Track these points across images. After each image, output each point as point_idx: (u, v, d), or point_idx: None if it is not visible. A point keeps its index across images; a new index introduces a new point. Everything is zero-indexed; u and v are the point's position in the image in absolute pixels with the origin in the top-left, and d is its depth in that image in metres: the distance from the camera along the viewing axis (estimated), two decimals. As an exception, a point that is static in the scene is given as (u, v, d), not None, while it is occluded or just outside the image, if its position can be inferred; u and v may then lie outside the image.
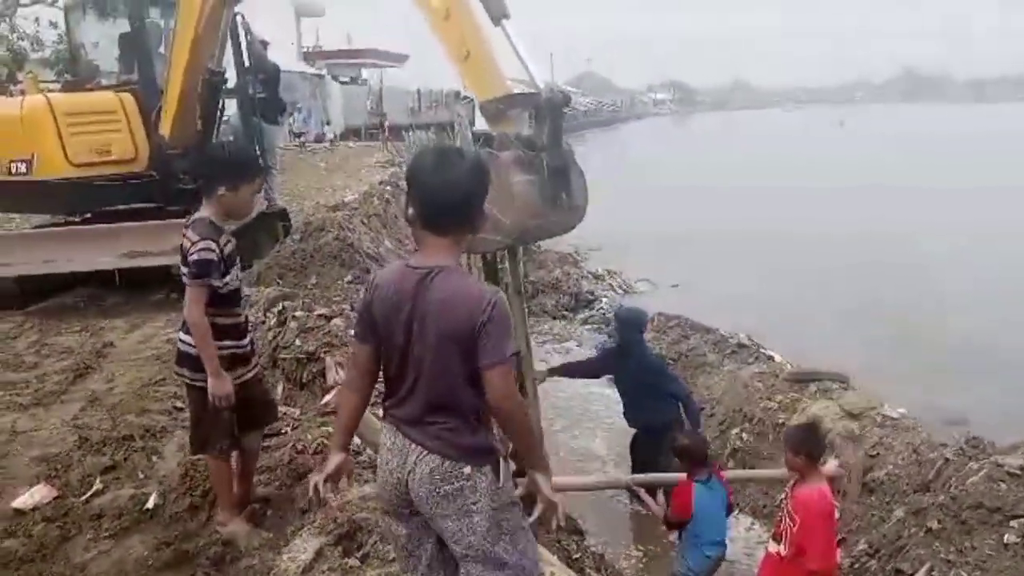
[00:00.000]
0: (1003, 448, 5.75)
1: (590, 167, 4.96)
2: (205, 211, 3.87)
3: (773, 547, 5.24)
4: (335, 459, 2.73)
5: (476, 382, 2.45)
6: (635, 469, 6.69)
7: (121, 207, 9.71)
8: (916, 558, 5.12)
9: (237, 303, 3.97)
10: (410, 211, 2.60)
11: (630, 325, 6.92)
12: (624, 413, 6.98)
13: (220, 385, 3.75)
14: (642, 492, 5.79)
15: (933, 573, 4.91)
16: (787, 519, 5.08)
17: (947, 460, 5.67)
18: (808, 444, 5.01)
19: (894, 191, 21.17)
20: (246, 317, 4.12)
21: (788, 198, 21.84)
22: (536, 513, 2.62)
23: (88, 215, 10.11)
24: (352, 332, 2.91)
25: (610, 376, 7.51)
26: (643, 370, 6.69)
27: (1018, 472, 5.11)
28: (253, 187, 3.94)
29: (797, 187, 23.28)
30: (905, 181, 23.09)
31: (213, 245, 3.74)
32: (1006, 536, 4.74)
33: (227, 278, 3.83)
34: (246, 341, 4.02)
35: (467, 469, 2.47)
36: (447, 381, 2.46)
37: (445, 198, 2.49)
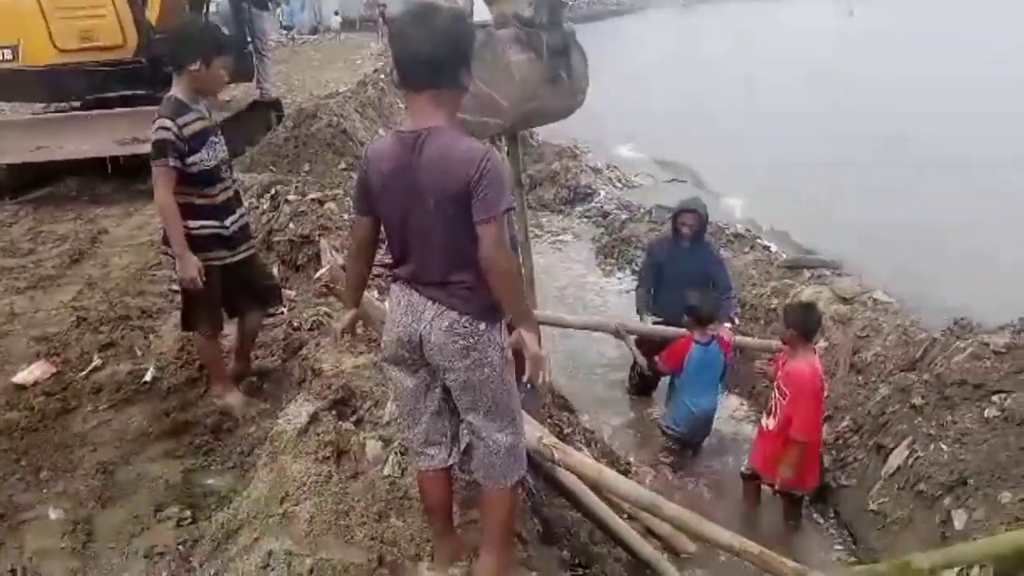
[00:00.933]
0: (990, 328, 5.83)
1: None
2: (174, 89, 3.79)
3: (764, 422, 5.40)
4: (349, 313, 2.92)
5: None
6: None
7: (110, 94, 9.57)
8: (898, 433, 5.25)
9: (213, 183, 3.86)
10: (394, 74, 2.56)
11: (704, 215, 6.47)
12: (656, 302, 6.59)
13: (184, 266, 3.74)
14: (631, 341, 6.05)
15: (914, 446, 5.04)
16: (777, 394, 5.22)
17: (934, 340, 5.75)
18: (804, 321, 5.12)
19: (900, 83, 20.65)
20: (233, 197, 4.05)
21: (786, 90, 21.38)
22: (527, 374, 2.65)
23: (78, 103, 9.98)
24: (351, 206, 2.93)
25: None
26: (704, 264, 6.45)
27: (1003, 350, 5.19)
28: (224, 62, 3.81)
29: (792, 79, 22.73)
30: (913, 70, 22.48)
31: (168, 123, 3.66)
32: (986, 411, 4.84)
33: (193, 158, 3.73)
34: (229, 222, 3.94)
35: (483, 325, 2.52)
36: (454, 241, 2.46)
37: (418, 49, 2.44)
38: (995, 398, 4.86)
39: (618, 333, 6.26)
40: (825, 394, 5.60)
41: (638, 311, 6.64)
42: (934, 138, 15.52)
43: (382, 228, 2.68)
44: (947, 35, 27.38)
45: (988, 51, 24.14)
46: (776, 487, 5.21)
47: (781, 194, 12.58)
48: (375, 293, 4.42)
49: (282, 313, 5.04)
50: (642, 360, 6.06)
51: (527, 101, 5.25)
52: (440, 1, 2.75)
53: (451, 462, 2.80)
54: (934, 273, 9.09)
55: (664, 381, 6.46)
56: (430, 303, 2.53)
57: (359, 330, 3.03)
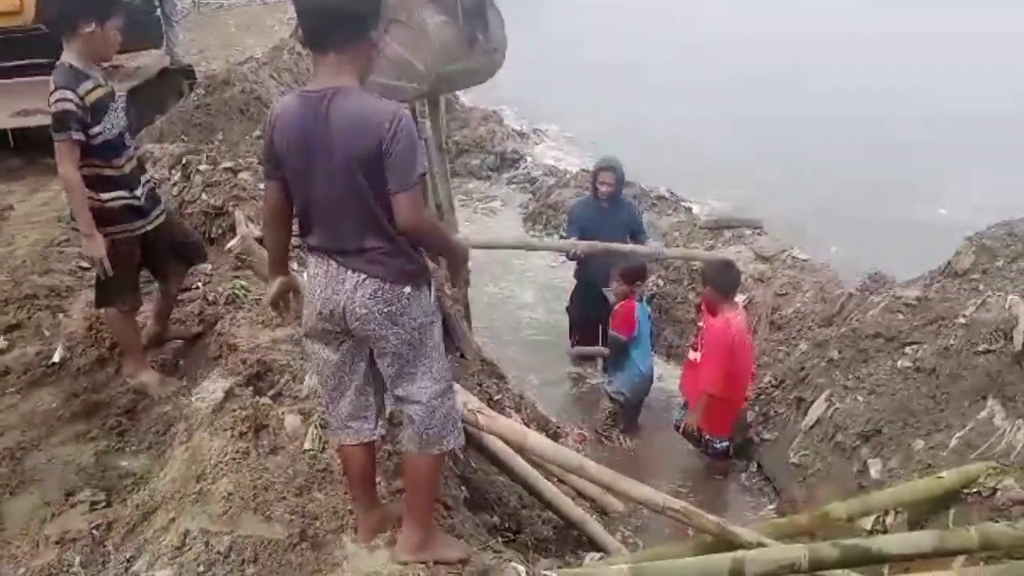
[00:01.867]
0: (903, 283, 6.02)
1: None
2: (66, 55, 3.58)
3: (692, 355, 5.53)
4: (276, 282, 2.77)
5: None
6: (581, 324, 6.84)
7: (8, 64, 9.09)
8: (816, 387, 5.41)
9: (119, 153, 3.69)
10: (298, 32, 2.46)
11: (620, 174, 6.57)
12: (582, 271, 6.77)
13: (91, 246, 3.58)
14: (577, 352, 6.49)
15: (831, 399, 5.19)
16: (700, 338, 5.37)
17: (850, 295, 5.93)
18: (722, 278, 5.25)
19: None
20: (137, 167, 3.88)
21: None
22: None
23: (-26, 75, 9.47)
24: (263, 171, 2.78)
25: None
26: (625, 222, 6.57)
27: (914, 303, 5.37)
28: (118, 23, 3.60)
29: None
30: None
31: (69, 94, 3.47)
32: (899, 362, 5.00)
33: (97, 128, 3.55)
34: (140, 191, 3.79)
35: (407, 289, 2.46)
36: (366, 206, 2.37)
37: (317, 5, 2.34)
38: (907, 349, 5.03)
39: (574, 255, 6.42)
40: (753, 352, 5.74)
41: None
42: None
43: None
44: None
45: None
46: (680, 429, 5.46)
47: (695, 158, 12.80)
48: (293, 264, 4.32)
49: (197, 288, 4.89)
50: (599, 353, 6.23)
51: (444, 63, 5.16)
52: None
53: (376, 436, 2.75)
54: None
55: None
56: (350, 272, 2.44)
57: (291, 301, 2.85)
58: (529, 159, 13.36)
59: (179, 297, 4.75)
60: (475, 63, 5.37)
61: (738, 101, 16.17)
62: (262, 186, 5.67)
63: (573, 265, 6.88)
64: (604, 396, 6.17)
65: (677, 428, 5.58)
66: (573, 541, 4.14)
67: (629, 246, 6.34)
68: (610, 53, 20.29)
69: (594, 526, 4.12)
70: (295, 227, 2.64)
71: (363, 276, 2.43)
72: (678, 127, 14.62)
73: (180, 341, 4.34)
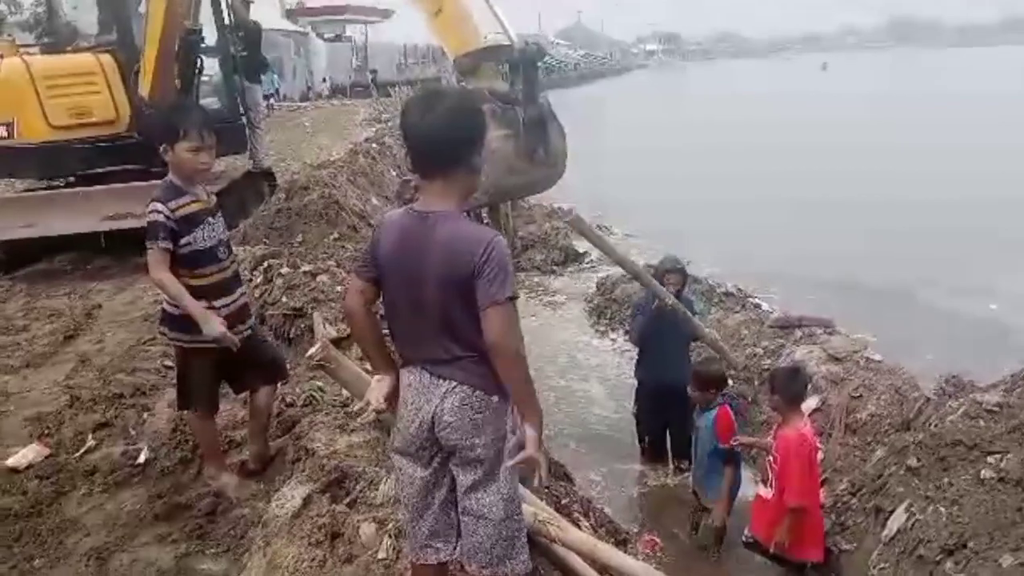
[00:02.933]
0: (982, 387, 5.85)
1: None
2: (169, 172, 3.87)
3: (762, 490, 5.40)
4: (388, 378, 2.73)
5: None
6: (649, 429, 6.77)
7: (104, 170, 9.67)
8: (895, 495, 5.23)
9: (206, 264, 3.86)
10: (407, 159, 2.63)
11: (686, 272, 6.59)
12: (646, 370, 6.69)
13: (208, 326, 3.70)
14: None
15: (912, 509, 5.02)
16: (772, 461, 5.24)
17: (928, 399, 5.77)
18: (789, 386, 5.17)
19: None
20: (231, 278, 4.04)
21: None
22: (516, 459, 2.53)
23: (72, 179, 10.08)
24: (355, 269, 2.84)
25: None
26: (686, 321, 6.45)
27: (995, 409, 5.20)
28: (187, 145, 3.76)
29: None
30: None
31: (160, 207, 3.72)
32: (982, 472, 4.82)
33: (185, 239, 3.75)
34: (220, 303, 3.90)
35: (495, 399, 2.53)
36: (456, 323, 2.48)
37: (425, 137, 2.49)
38: (990, 459, 4.85)
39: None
40: (820, 456, 5.61)
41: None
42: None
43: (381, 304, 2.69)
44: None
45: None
46: (771, 550, 5.19)
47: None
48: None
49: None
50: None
51: (504, 176, 5.32)
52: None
53: (455, 556, 2.74)
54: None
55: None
56: (441, 380, 2.53)
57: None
58: (593, 254, 13.51)
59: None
60: (535, 174, 5.53)
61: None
62: (339, 288, 5.93)
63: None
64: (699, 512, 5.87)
65: (746, 546, 5.42)
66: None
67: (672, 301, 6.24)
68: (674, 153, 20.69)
69: (666, 640, 4.02)
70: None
71: (454, 384, 2.52)
72: (744, 226, 14.72)
73: None
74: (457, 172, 2.54)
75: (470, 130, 2.54)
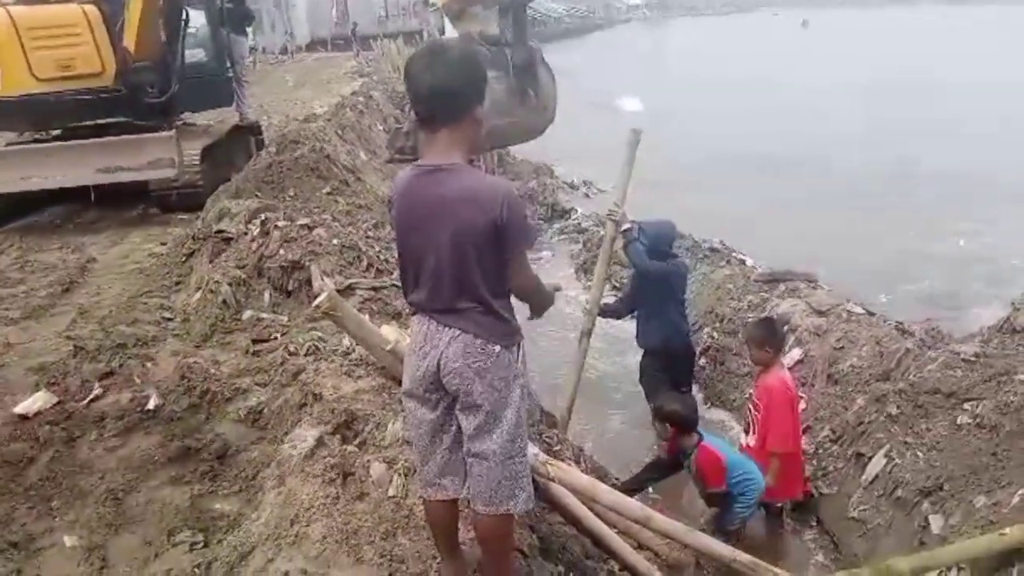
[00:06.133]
0: (960, 337, 6.07)
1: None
2: None
3: (744, 440, 5.60)
4: None
5: (496, 271, 2.61)
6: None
7: (90, 122, 9.63)
8: (875, 442, 5.46)
9: None
10: (411, 113, 2.72)
11: (657, 239, 6.34)
12: (641, 334, 6.63)
13: None
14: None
15: (891, 454, 5.24)
16: (753, 409, 5.43)
17: (907, 350, 5.97)
18: (766, 337, 5.36)
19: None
20: None
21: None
22: None
23: (57, 132, 10.03)
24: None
25: None
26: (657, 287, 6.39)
27: (972, 359, 5.41)
28: None
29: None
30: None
31: None
32: (959, 418, 5.04)
33: None
34: None
35: (497, 348, 2.65)
36: (467, 273, 2.58)
37: (431, 90, 2.55)
38: (967, 405, 5.08)
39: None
40: (802, 406, 5.81)
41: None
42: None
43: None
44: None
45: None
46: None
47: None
48: (366, 316, 4.54)
49: (276, 338, 5.15)
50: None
51: (495, 117, 5.35)
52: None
53: (463, 492, 2.84)
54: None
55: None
56: (446, 328, 2.64)
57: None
58: (579, 211, 13.62)
59: (259, 349, 5.04)
60: (526, 119, 5.58)
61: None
62: (336, 241, 6.03)
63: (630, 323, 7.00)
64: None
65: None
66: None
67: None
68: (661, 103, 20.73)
69: (659, 576, 4.22)
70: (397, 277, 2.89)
71: (457, 332, 2.63)
72: (728, 180, 14.87)
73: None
74: (463, 123, 2.61)
75: (474, 80, 2.61)
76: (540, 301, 2.90)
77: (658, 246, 6.29)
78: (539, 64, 5.55)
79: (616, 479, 5.73)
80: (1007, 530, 3.93)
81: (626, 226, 6.23)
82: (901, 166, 15.94)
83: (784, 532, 5.54)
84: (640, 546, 4.35)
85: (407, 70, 2.64)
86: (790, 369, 6.04)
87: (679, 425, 5.29)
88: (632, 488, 5.38)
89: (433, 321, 2.68)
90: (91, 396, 4.56)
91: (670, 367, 6.45)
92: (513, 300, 2.75)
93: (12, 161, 9.09)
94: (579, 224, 12.83)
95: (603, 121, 19.53)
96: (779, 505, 5.51)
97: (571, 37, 52.49)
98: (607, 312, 6.71)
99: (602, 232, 11.35)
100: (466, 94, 2.59)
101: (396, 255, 2.95)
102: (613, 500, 3.83)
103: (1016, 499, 4.29)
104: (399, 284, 5.59)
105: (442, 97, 2.56)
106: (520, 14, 5.39)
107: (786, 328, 6.65)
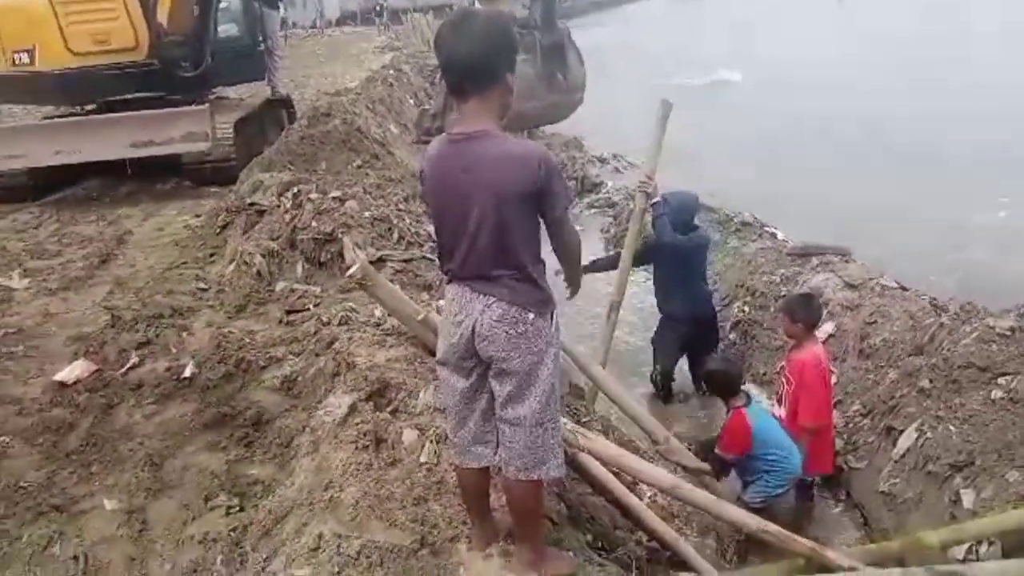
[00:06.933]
0: (996, 312, 5.99)
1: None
2: None
3: (775, 411, 5.58)
4: None
5: (532, 235, 2.63)
6: (664, 357, 6.77)
7: (124, 97, 9.75)
8: (907, 416, 5.41)
9: None
10: (441, 82, 2.73)
11: (682, 210, 6.61)
12: (669, 303, 6.79)
13: None
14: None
15: (922, 428, 5.20)
16: (784, 383, 5.40)
17: (942, 324, 5.89)
18: (803, 311, 5.32)
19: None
20: None
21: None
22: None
23: (92, 106, 10.16)
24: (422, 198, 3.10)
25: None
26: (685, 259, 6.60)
27: (1007, 333, 5.34)
28: None
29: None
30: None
31: None
32: (993, 393, 4.99)
33: None
34: None
35: (531, 315, 2.66)
36: (505, 239, 2.59)
37: (460, 55, 2.56)
38: (1001, 380, 5.02)
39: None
40: (833, 380, 5.77)
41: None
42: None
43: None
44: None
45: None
46: None
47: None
48: (397, 287, 4.58)
49: (309, 309, 5.22)
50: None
51: (523, 101, 5.35)
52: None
53: (496, 460, 2.87)
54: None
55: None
56: (480, 296, 2.66)
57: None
58: (610, 184, 13.54)
59: (292, 319, 5.11)
60: (554, 100, 5.57)
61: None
62: (367, 214, 6.07)
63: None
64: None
65: None
66: (666, 562, 4.26)
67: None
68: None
69: (686, 548, 4.23)
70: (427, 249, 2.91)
71: (492, 299, 2.64)
72: (762, 155, 14.71)
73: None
74: (494, 90, 2.60)
75: (504, 46, 2.61)
76: (578, 269, 2.95)
77: (682, 217, 6.48)
78: (568, 46, 5.54)
79: (644, 452, 5.76)
80: (1040, 504, 3.91)
81: (656, 199, 6.26)
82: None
83: (813, 505, 5.53)
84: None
85: (437, 39, 2.65)
86: (823, 343, 6.00)
87: (723, 387, 5.25)
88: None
89: (468, 288, 2.69)
90: (129, 365, 4.67)
91: (693, 335, 6.59)
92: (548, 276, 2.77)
93: (48, 135, 9.24)
94: (609, 198, 12.75)
95: (635, 96, 19.37)
96: (810, 480, 5.49)
97: (601, 10, 51.86)
98: (598, 266, 6.81)
99: (632, 206, 11.42)
100: (496, 62, 2.59)
101: (431, 225, 2.98)
102: (641, 468, 3.86)
103: (1050, 474, 4.25)
104: (430, 256, 5.70)
105: (472, 65, 2.56)
106: None
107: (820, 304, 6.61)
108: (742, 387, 5.29)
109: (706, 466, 4.89)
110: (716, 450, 5.14)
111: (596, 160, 15.07)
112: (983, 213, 11.52)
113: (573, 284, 2.99)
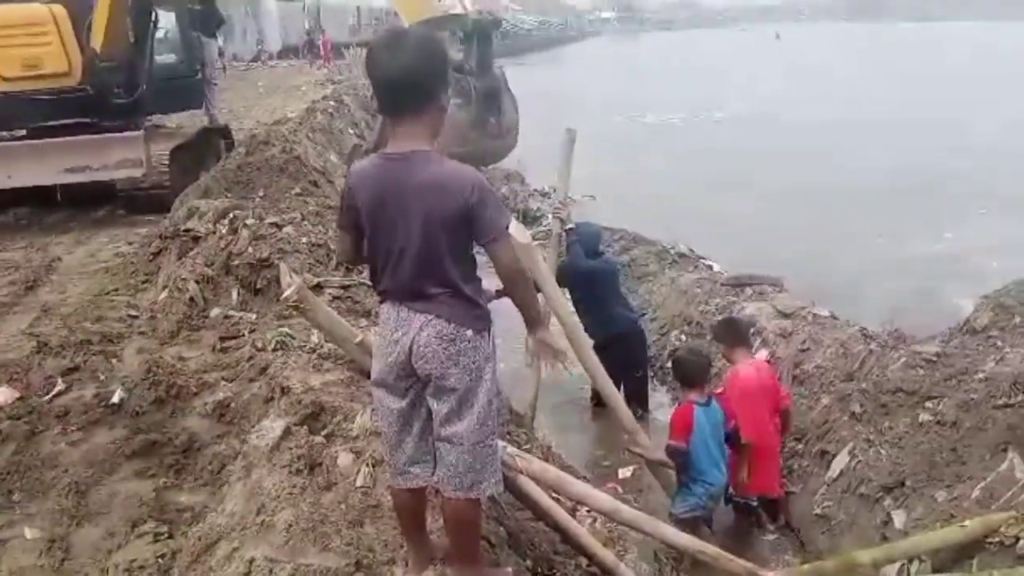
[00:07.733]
0: (922, 339, 6.18)
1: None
2: None
3: None
4: None
5: (464, 255, 2.60)
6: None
7: (56, 123, 9.54)
8: (839, 440, 5.55)
9: None
10: (373, 101, 2.72)
11: (590, 239, 7.14)
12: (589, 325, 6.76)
13: None
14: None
15: (854, 451, 5.32)
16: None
17: (871, 351, 6.07)
18: (725, 332, 5.51)
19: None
20: None
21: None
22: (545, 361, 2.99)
23: (23, 132, 9.92)
24: (337, 223, 2.97)
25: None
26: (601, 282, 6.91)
27: (933, 359, 5.52)
28: None
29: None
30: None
31: None
32: (920, 416, 5.14)
33: None
34: None
35: (469, 332, 2.63)
36: (438, 260, 2.57)
37: (394, 74, 2.53)
38: (928, 404, 5.17)
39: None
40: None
41: None
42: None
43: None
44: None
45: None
46: (732, 494, 5.42)
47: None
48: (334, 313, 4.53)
49: (243, 336, 5.12)
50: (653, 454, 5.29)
51: (456, 145, 5.36)
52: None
53: (434, 480, 2.82)
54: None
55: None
56: (417, 315, 2.63)
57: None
58: (550, 217, 13.63)
59: (227, 345, 5.01)
60: (486, 146, 5.61)
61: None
62: (304, 240, 6.01)
63: None
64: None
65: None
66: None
67: None
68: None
69: (626, 572, 4.23)
70: (366, 275, 2.86)
71: (430, 317, 2.62)
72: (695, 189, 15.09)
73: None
74: (427, 110, 2.59)
75: (437, 65, 2.60)
76: (526, 296, 2.79)
77: (591, 244, 7.03)
78: (504, 91, 5.59)
79: (584, 478, 5.76)
80: (967, 522, 4.02)
81: (570, 225, 6.47)
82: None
83: (753, 528, 5.59)
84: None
85: (368, 58, 2.62)
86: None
87: (685, 377, 5.32)
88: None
89: (404, 307, 2.67)
90: (54, 391, 4.50)
91: (622, 353, 6.67)
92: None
93: None
94: (549, 230, 12.85)
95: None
96: (754, 503, 5.49)
97: (540, 50, 52.87)
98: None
99: (573, 238, 11.54)
100: (431, 79, 2.58)
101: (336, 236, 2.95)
102: (581, 492, 3.85)
103: (976, 493, 4.38)
104: (369, 283, 5.65)
105: (406, 83, 2.54)
106: (485, 41, 5.40)
107: (752, 331, 6.77)
108: (707, 390, 5.27)
109: (667, 459, 5.11)
110: (668, 441, 5.16)
111: (538, 193, 15.20)
112: (920, 242, 11.93)
113: (524, 311, 2.82)
